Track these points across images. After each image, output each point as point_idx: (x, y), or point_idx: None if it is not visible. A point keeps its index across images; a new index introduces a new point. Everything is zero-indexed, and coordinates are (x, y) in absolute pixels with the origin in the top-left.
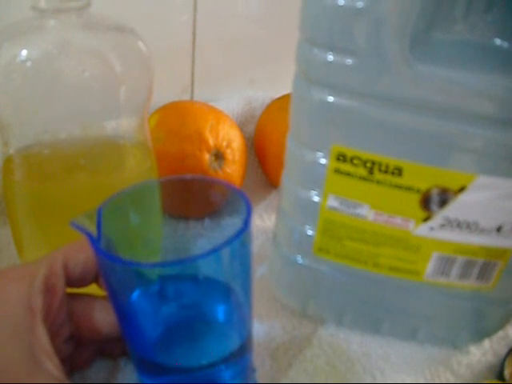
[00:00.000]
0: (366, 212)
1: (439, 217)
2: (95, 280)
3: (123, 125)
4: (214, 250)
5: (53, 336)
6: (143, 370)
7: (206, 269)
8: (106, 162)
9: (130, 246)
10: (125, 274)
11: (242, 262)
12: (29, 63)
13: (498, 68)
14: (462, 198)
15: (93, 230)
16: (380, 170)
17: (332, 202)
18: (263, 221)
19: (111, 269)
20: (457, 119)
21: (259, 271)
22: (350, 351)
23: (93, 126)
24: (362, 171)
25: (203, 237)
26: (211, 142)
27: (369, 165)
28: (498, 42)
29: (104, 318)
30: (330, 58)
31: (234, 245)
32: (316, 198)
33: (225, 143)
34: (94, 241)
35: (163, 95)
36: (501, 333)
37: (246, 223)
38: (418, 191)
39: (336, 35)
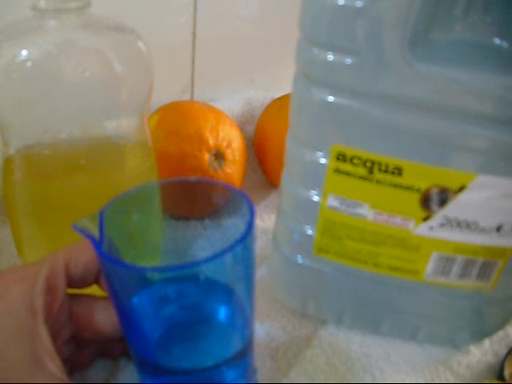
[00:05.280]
0: (366, 211)
1: (439, 216)
2: (96, 281)
3: (123, 125)
4: (218, 254)
5: (54, 337)
6: (145, 371)
7: (209, 272)
8: (106, 162)
9: (130, 246)
10: (127, 277)
11: (245, 265)
12: (29, 63)
13: (497, 67)
14: (462, 197)
15: (95, 233)
16: (380, 170)
17: (332, 201)
18: (263, 221)
19: (114, 272)
20: (456, 118)
21: (259, 271)
22: (350, 351)
23: (93, 126)
24: (362, 171)
25: (203, 237)
26: (211, 142)
27: (368, 164)
28: (497, 41)
29: (105, 319)
30: (330, 57)
31: (237, 248)
32: (316, 198)
33: (225, 143)
34: (97, 244)
35: (163, 95)
36: (501, 333)
37: (250, 227)
38: (417, 191)
39: (336, 35)
